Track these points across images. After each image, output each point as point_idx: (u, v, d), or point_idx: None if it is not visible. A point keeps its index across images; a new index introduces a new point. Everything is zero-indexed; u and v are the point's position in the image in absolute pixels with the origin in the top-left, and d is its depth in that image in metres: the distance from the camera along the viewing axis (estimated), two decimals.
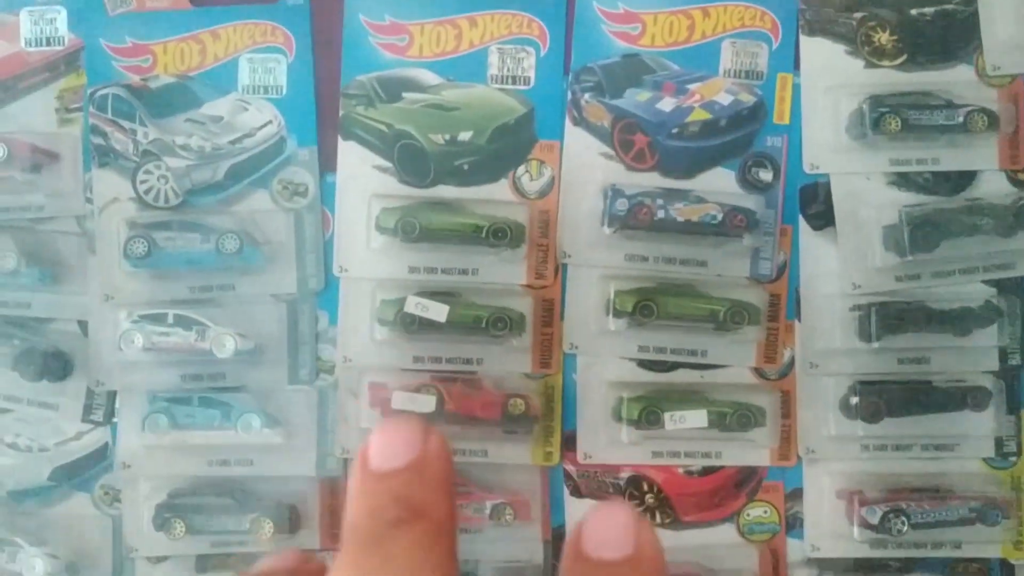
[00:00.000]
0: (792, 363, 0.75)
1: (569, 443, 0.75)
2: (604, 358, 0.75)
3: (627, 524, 0.28)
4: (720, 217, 0.71)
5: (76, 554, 0.75)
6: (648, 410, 0.72)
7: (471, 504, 0.72)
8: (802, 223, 0.75)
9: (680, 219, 0.71)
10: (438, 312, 0.72)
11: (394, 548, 0.26)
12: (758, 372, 0.75)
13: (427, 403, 0.71)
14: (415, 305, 0.72)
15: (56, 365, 0.74)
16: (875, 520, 0.71)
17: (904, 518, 0.70)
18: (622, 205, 0.72)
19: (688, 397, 0.73)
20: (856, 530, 0.72)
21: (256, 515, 0.72)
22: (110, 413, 0.76)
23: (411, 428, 0.28)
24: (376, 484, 0.27)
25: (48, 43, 0.75)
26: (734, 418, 0.72)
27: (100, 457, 0.76)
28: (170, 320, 0.73)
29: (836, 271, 0.74)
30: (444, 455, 0.28)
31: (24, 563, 0.73)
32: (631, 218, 0.71)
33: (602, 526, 0.28)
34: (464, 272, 0.74)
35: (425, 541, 0.26)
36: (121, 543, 0.76)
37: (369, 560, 0.26)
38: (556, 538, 0.75)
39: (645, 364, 0.75)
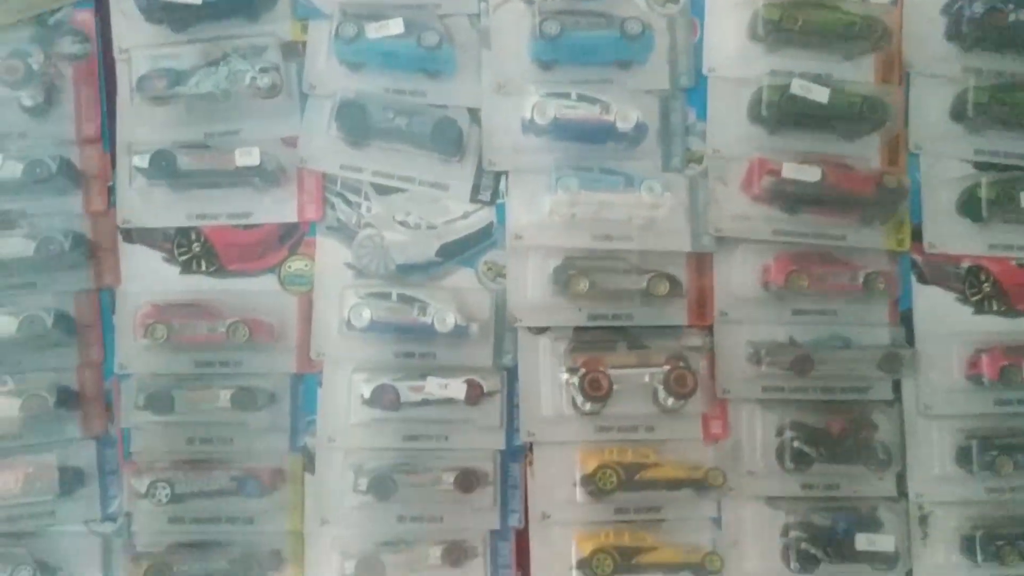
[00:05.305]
0: None
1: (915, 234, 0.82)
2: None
3: None
4: None
5: (465, 316, 0.77)
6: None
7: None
8: None
9: None
10: (820, 94, 0.79)
11: None
12: None
13: (813, 173, 0.78)
14: (799, 87, 0.79)
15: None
16: None
17: None
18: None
19: None
20: None
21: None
22: (496, 194, 0.81)
23: None
24: None
25: None
26: None
27: (485, 235, 0.80)
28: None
29: None
30: None
31: (435, 316, 0.76)
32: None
33: None
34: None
35: None
36: (504, 315, 0.79)
37: None
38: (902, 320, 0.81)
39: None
